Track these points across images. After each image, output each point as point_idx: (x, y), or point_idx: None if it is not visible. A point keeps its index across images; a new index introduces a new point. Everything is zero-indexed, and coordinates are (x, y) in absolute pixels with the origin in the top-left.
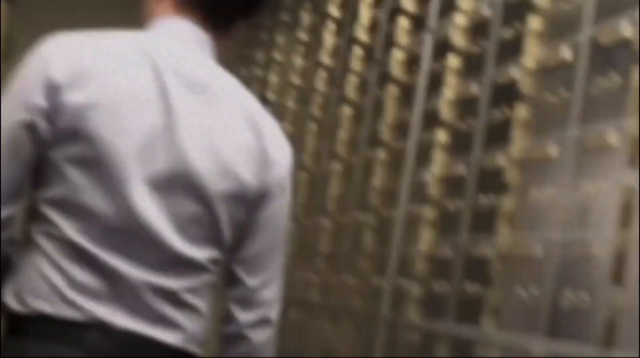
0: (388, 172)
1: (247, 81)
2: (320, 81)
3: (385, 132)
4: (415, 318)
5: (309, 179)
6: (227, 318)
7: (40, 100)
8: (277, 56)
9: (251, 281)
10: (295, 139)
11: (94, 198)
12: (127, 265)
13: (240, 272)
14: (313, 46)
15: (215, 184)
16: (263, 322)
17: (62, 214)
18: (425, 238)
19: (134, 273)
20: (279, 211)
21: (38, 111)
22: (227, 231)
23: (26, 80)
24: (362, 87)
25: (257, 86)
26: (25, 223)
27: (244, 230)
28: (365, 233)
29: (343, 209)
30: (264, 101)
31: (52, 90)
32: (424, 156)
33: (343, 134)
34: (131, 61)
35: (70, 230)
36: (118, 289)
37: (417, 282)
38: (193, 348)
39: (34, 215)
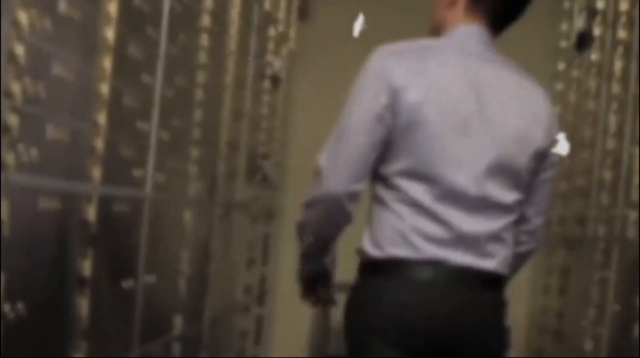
0: None
1: None
2: None
3: None
4: None
5: None
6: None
7: (386, 99)
8: None
9: (531, 212)
10: None
11: (433, 166)
12: (463, 217)
13: (526, 208)
14: None
15: (517, 146)
16: (533, 239)
17: (409, 181)
18: None
19: (469, 225)
20: (556, 162)
21: (385, 107)
22: (526, 178)
23: (373, 85)
24: None
25: None
26: (373, 189)
27: (534, 177)
28: None
29: None
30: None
31: (394, 91)
32: None
33: None
34: (448, 65)
35: (418, 193)
36: (456, 237)
37: None
38: (504, 270)
39: (384, 184)
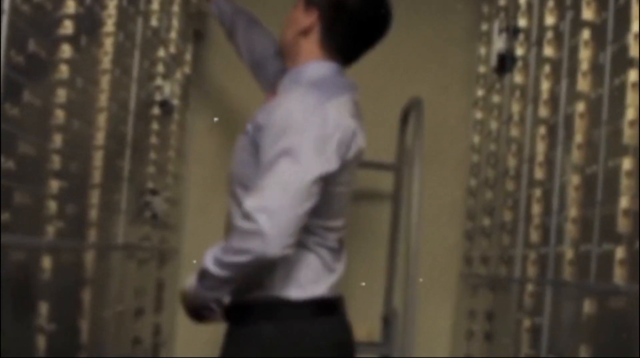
0: None
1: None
2: None
3: None
4: None
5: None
6: None
7: (336, 165)
8: None
9: None
10: None
11: (336, 220)
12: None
13: None
14: None
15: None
16: None
17: (326, 231)
18: None
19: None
20: None
21: (335, 172)
22: None
23: (328, 147)
24: None
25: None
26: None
27: None
28: None
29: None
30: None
31: (344, 151)
32: None
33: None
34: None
35: (331, 239)
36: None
37: None
38: None
39: (305, 229)
